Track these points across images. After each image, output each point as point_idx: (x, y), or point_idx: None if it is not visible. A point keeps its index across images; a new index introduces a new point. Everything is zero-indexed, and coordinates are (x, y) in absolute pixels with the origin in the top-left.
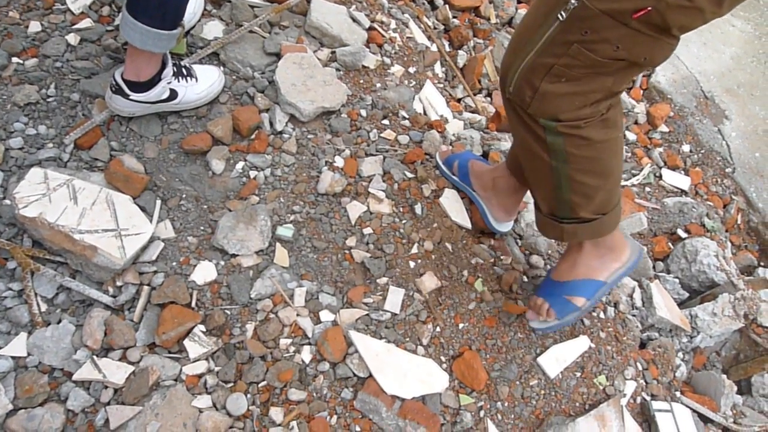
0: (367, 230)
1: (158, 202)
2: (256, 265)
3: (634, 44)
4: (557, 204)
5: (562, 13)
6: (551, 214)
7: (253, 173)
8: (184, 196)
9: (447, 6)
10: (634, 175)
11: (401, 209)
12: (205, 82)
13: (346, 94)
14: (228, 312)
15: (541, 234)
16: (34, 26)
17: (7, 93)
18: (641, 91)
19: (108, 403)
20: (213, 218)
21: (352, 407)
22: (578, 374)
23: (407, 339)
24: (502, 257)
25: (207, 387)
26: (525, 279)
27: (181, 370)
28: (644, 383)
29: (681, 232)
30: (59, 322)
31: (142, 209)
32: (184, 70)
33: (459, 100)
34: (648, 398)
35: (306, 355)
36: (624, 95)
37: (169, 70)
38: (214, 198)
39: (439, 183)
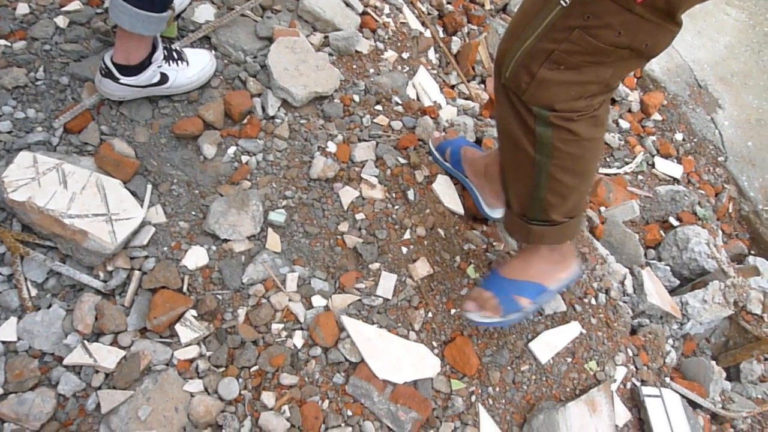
0: (360, 216)
1: (149, 186)
2: (248, 251)
3: (636, 30)
4: (530, 202)
5: None
6: (522, 214)
7: (245, 158)
8: (175, 180)
9: None
10: (627, 163)
11: (394, 195)
12: (196, 66)
13: (338, 79)
14: (220, 297)
15: (507, 234)
16: (22, 8)
17: None
18: (635, 80)
19: (99, 388)
20: (204, 203)
21: (344, 392)
22: (569, 360)
23: (399, 324)
24: (494, 243)
25: (198, 371)
26: None
27: (172, 354)
28: (634, 369)
29: (673, 220)
30: (49, 306)
31: (133, 194)
32: (175, 54)
33: (452, 87)
34: (638, 384)
35: (298, 340)
36: None
37: (159, 53)
38: (206, 183)
39: (432, 169)
